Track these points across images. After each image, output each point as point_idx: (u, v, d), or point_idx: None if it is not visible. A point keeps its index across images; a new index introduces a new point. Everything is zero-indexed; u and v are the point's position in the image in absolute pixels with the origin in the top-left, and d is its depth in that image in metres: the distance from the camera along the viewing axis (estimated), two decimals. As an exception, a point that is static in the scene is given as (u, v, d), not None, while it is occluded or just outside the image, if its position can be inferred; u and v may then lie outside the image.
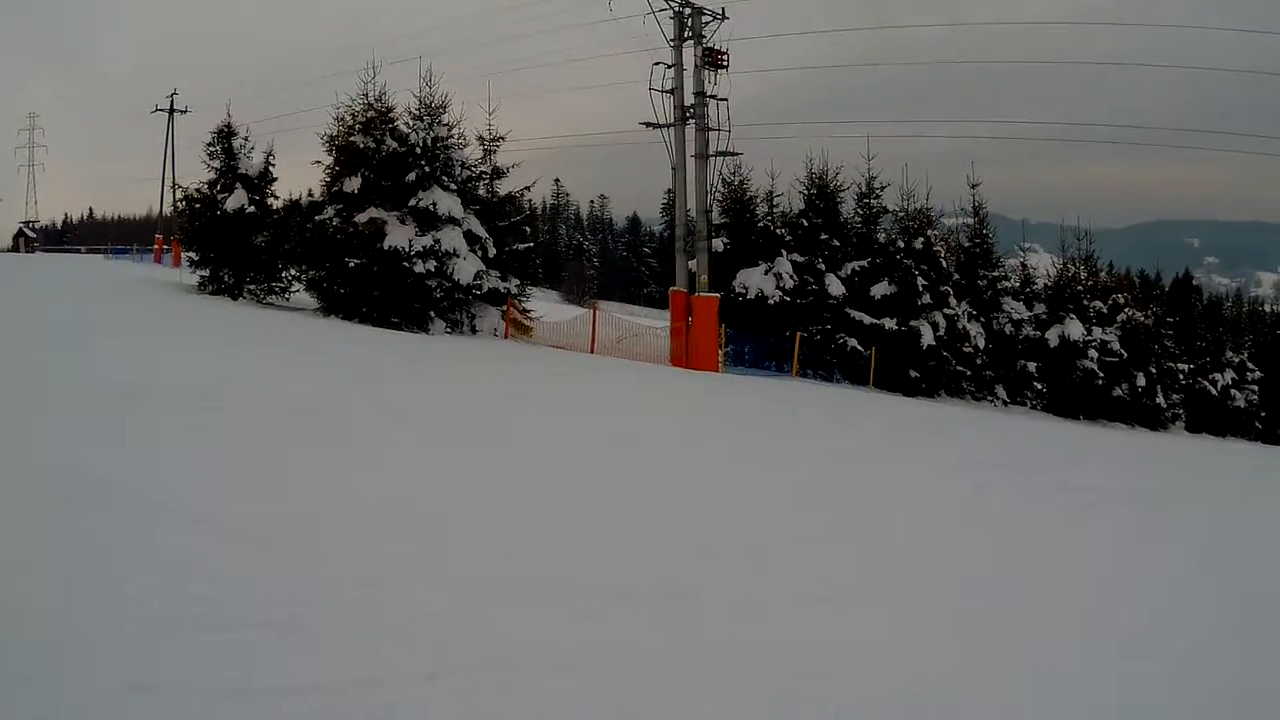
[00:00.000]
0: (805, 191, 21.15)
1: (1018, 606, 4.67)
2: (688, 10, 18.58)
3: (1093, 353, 22.66)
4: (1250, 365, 30.42)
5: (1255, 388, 30.27)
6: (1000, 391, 21.13)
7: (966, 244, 22.21)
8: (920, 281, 19.95)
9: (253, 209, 16.88)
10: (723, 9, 18.69)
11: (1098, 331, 23.21)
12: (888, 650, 3.67)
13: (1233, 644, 4.51)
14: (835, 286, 19.78)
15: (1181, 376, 27.07)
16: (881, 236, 21.03)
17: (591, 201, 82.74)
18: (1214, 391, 28.55)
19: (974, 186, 22.39)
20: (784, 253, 19.85)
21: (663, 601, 3.81)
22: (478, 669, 2.86)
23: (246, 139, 17.49)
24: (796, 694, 3.11)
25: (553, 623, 3.38)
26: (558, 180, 79.23)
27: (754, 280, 19.58)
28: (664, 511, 5.55)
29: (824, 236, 20.47)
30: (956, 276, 21.05)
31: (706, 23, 18.60)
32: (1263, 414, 30.90)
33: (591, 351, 17.56)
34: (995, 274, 22.06)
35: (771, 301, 19.17)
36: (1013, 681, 3.58)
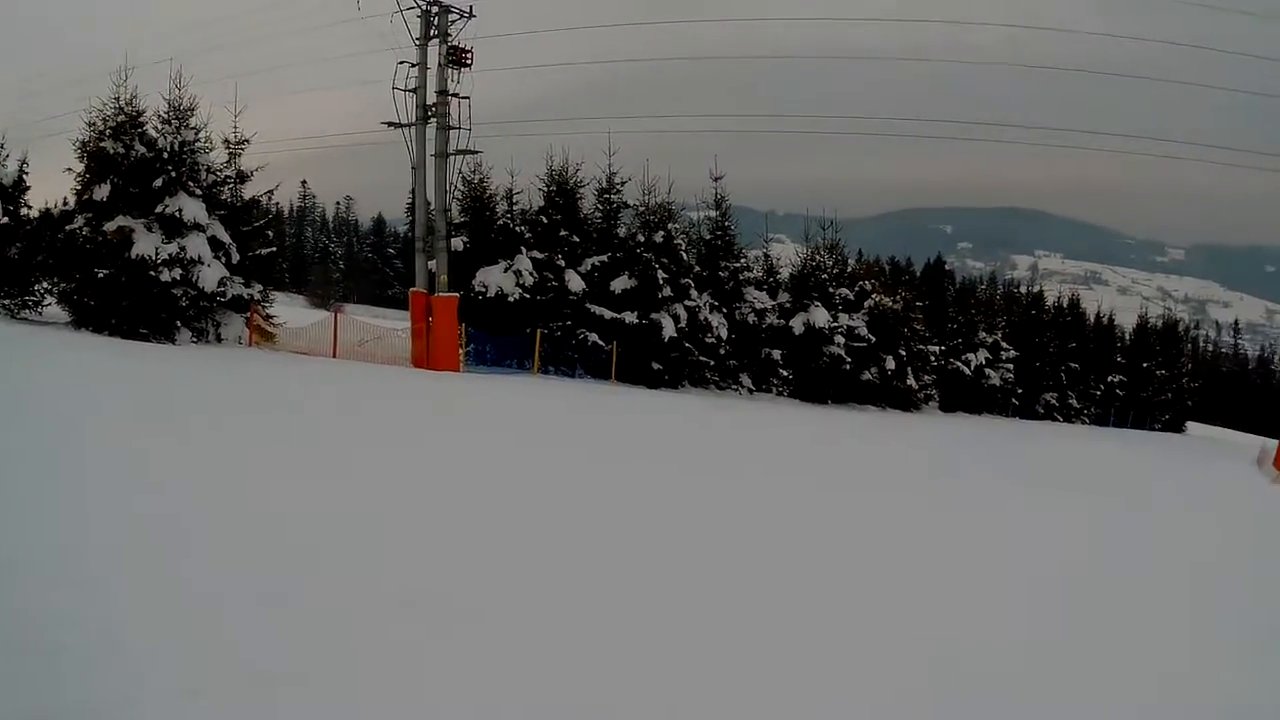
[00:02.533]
0: (545, 188, 26.47)
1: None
2: (434, 8, 22.90)
3: (839, 338, 29.84)
4: (1005, 345, 40.63)
5: (1010, 366, 40.64)
6: (745, 380, 27.71)
7: (708, 236, 28.49)
8: (661, 275, 25.57)
9: (5, 220, 19.16)
10: (470, 6, 23.17)
11: (845, 318, 30.46)
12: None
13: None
14: (575, 282, 24.90)
15: (933, 358, 35.85)
16: (622, 231, 26.74)
17: (338, 203, 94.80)
18: (967, 371, 38.02)
19: (716, 179, 28.90)
20: (524, 250, 24.69)
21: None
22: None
23: (2, 146, 19.80)
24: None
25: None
26: (304, 182, 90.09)
27: (494, 278, 24.22)
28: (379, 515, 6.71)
29: (564, 233, 25.67)
30: (698, 269, 27.15)
31: (453, 20, 23.05)
32: (1019, 391, 41.95)
33: (334, 356, 21.14)
34: (737, 265, 28.47)
35: (512, 299, 23.86)
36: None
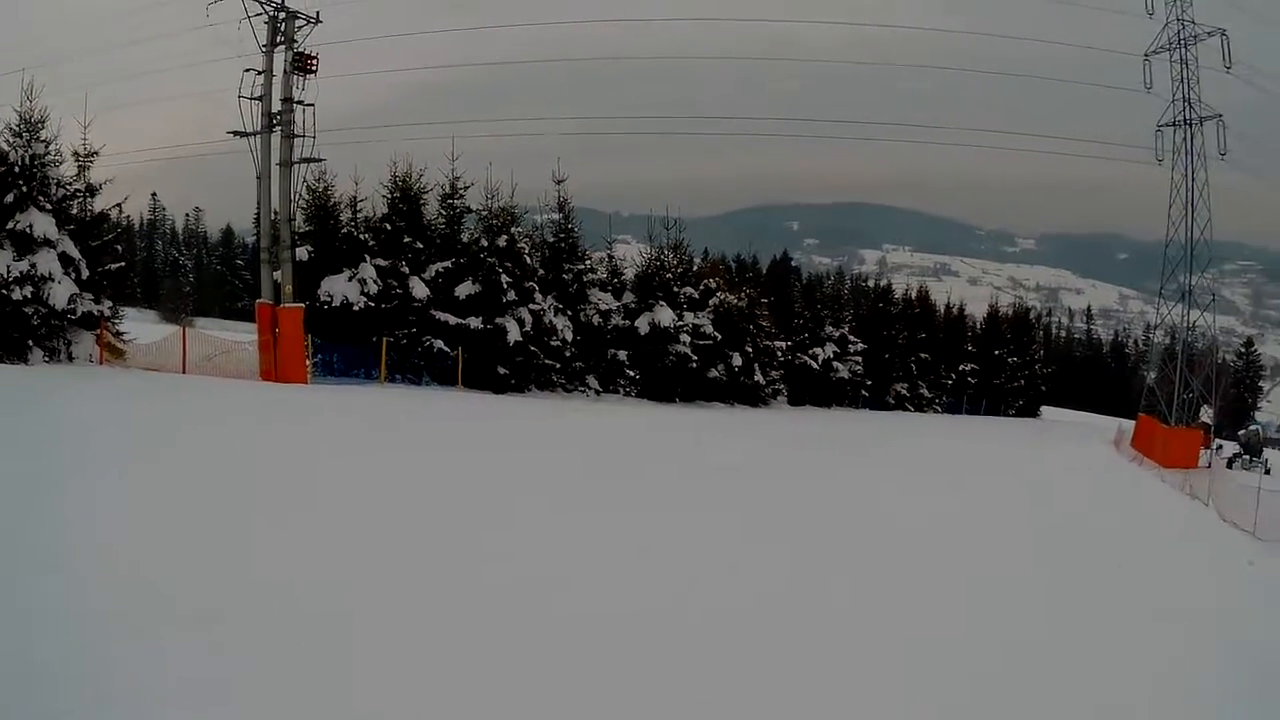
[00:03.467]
0: (389, 195, 28.86)
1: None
2: (281, 14, 24.81)
3: (685, 337, 33.01)
4: (852, 338, 45.57)
5: (859, 359, 45.60)
6: (592, 381, 30.77)
7: (552, 239, 31.54)
8: (505, 279, 28.17)
9: None
10: (317, 12, 25.16)
11: (690, 316, 33.78)
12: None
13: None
14: (420, 289, 27.27)
15: (780, 354, 40.40)
16: (466, 237, 29.30)
17: (187, 215, 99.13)
18: (815, 366, 42.62)
19: (559, 182, 31.88)
20: (368, 258, 26.97)
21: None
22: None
23: None
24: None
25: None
26: (155, 195, 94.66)
27: (339, 287, 26.35)
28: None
29: (408, 239, 28.08)
30: (542, 272, 29.92)
31: (300, 26, 24.99)
32: (869, 383, 47.13)
33: (183, 371, 22.65)
34: (581, 267, 31.51)
35: (357, 308, 26.07)
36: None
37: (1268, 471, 37.94)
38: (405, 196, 28.99)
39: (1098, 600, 11.10)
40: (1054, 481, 24.20)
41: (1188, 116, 44.39)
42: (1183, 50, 44.18)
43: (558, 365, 29.56)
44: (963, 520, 15.42)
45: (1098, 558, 13.77)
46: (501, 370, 27.70)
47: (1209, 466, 34.25)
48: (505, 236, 28.88)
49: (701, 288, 35.06)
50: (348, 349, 26.07)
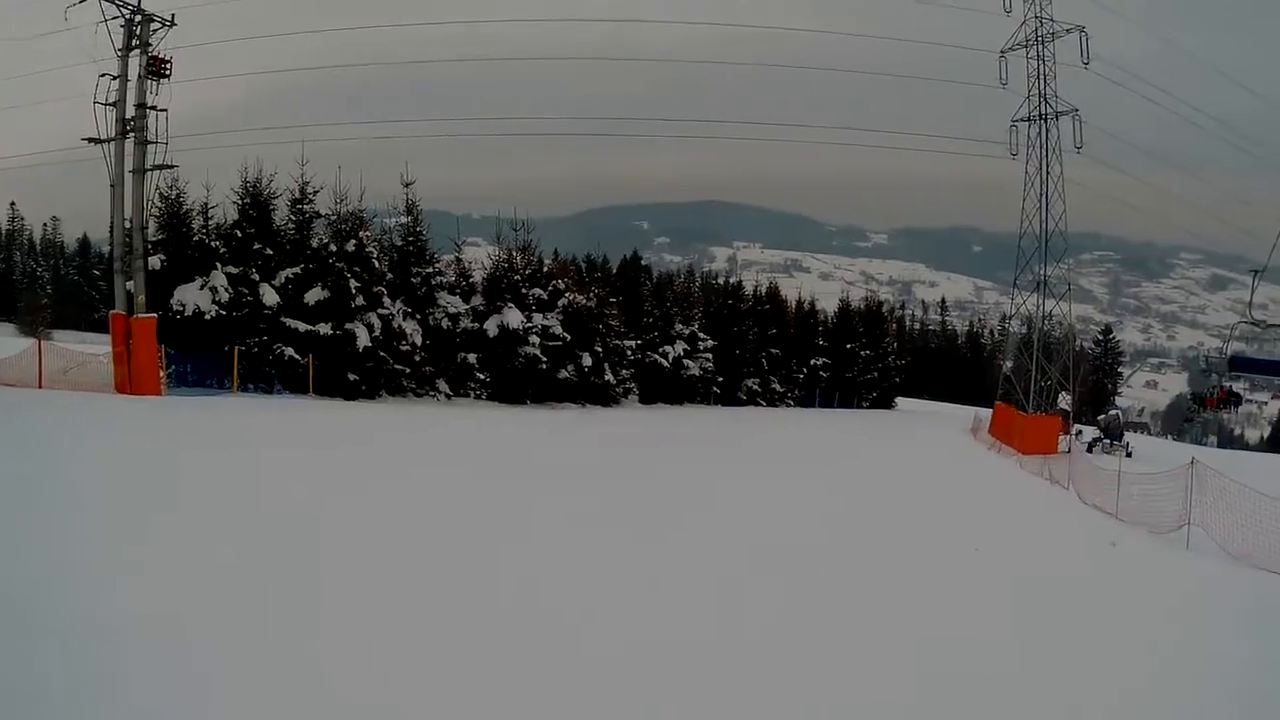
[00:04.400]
0: (239, 201, 31.07)
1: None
2: (137, 17, 26.49)
3: (534, 338, 35.71)
4: (703, 335, 49.49)
5: (709, 356, 49.64)
6: (442, 385, 33.69)
7: (400, 243, 34.28)
8: (354, 284, 30.43)
9: None
10: (172, 15, 26.92)
11: (539, 318, 36.79)
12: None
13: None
14: (270, 296, 29.57)
15: (630, 353, 44.19)
16: (315, 242, 31.73)
17: (45, 225, 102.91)
18: (666, 364, 46.65)
19: (407, 185, 34.79)
20: (219, 265, 29.14)
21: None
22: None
23: None
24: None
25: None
26: (13, 204, 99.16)
27: (191, 296, 28.43)
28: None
29: (258, 246, 30.31)
30: (390, 276, 32.56)
31: (155, 30, 26.71)
32: (720, 379, 51.51)
33: (40, 386, 24.13)
34: (430, 270, 34.34)
35: (209, 317, 28.23)
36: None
37: (1129, 454, 43.45)
38: (255, 202, 31.39)
39: (959, 582, 12.55)
40: (909, 469, 27.35)
41: (1043, 111, 50.11)
42: (1040, 47, 49.84)
43: (408, 370, 32.45)
44: (818, 508, 17.50)
45: (956, 541, 15.57)
46: (352, 376, 30.46)
47: (1069, 452, 38.01)
48: (354, 241, 31.55)
49: (550, 288, 38.20)
50: (201, 359, 28.33)
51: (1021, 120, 51.14)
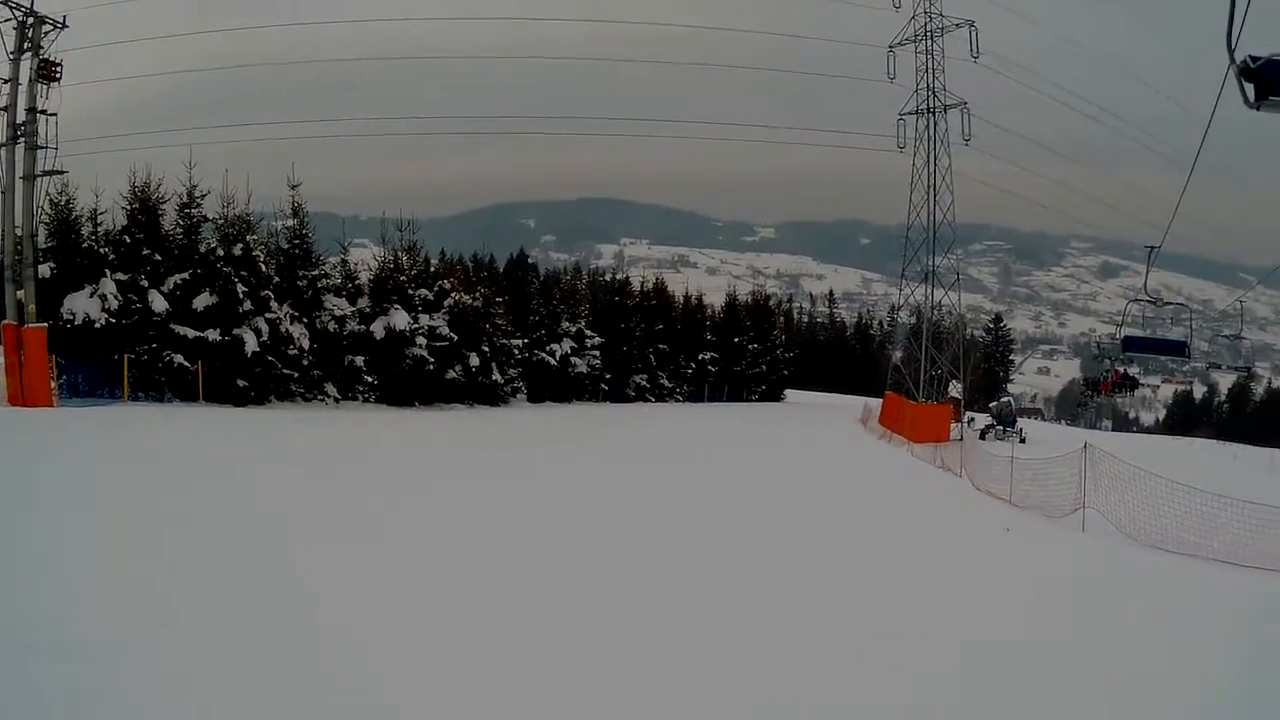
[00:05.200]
0: (128, 207, 32.26)
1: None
2: (30, 19, 27.29)
3: (421, 339, 37.68)
4: (590, 332, 51.58)
5: (597, 353, 51.76)
6: (331, 389, 35.43)
7: (287, 246, 35.95)
8: (241, 288, 32.07)
9: None
10: (64, 17, 27.79)
11: (426, 318, 38.69)
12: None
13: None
14: (159, 302, 30.88)
15: (517, 351, 46.36)
16: (203, 247, 33.12)
17: None
18: (553, 362, 48.91)
19: (294, 187, 36.44)
20: (108, 273, 30.27)
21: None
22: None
23: None
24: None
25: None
26: None
27: (80, 305, 29.51)
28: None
29: (146, 251, 31.58)
30: (278, 279, 34.23)
31: (46, 32, 27.56)
32: (608, 376, 53.74)
33: None
34: (316, 273, 36.15)
35: (99, 325, 29.34)
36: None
37: (1023, 440, 46.60)
38: (144, 207, 32.71)
39: (849, 570, 13.44)
40: (799, 461, 28.77)
41: (931, 105, 53.59)
42: (929, 41, 53.23)
43: (296, 374, 34.26)
44: (707, 503, 18.38)
45: (852, 530, 16.65)
46: (241, 382, 32.13)
47: (961, 439, 39.98)
48: (241, 245, 33.12)
49: (436, 289, 40.19)
50: (91, 368, 29.59)
51: (909, 114, 54.47)
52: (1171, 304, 20.51)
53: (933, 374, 54.96)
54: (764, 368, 64.53)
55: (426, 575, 11.26)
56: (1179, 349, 21.32)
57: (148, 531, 11.96)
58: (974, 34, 52.09)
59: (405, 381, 38.18)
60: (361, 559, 11.75)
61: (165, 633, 8.31)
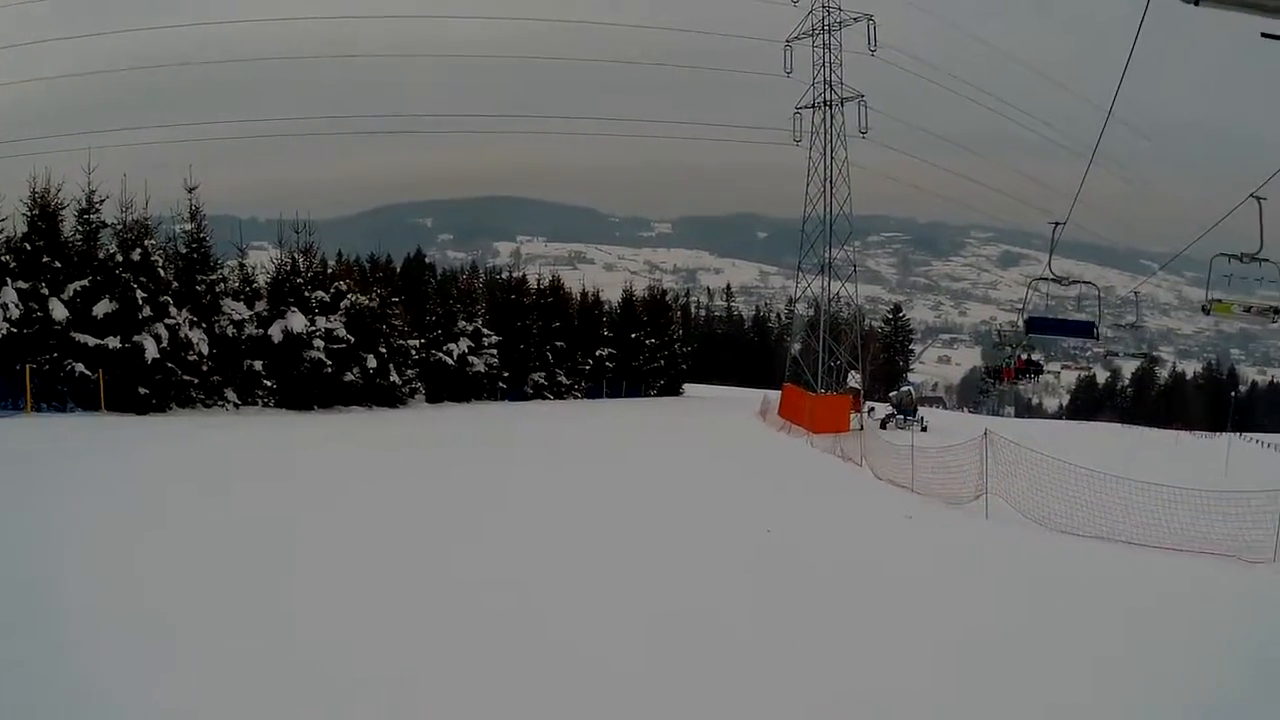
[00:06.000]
0: (29, 213, 33.42)
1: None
2: None
3: (319, 342, 39.64)
4: (487, 331, 53.95)
5: (494, 352, 54.24)
6: (230, 395, 37.26)
7: (185, 250, 37.57)
8: (140, 294, 33.90)
9: None
10: None
11: (322, 321, 40.81)
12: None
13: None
14: (59, 310, 32.11)
15: (415, 352, 48.41)
16: (103, 253, 34.45)
17: None
18: (450, 361, 51.04)
19: (191, 190, 38.00)
20: (9, 281, 31.48)
21: None
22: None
23: None
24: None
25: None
26: None
27: None
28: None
29: (47, 259, 32.81)
30: (176, 285, 35.78)
31: None
32: (506, 374, 56.04)
33: None
34: (214, 277, 37.75)
35: (0, 335, 30.83)
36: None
37: (924, 429, 49.69)
38: (44, 213, 33.96)
39: (752, 563, 13.80)
40: (698, 453, 30.23)
41: (828, 98, 56.79)
42: (826, 36, 56.44)
43: (196, 380, 35.91)
44: (609, 498, 19.26)
45: (747, 523, 17.01)
46: (142, 390, 33.80)
47: (861, 429, 43.09)
48: (139, 250, 34.54)
49: (333, 290, 42.04)
50: None
51: (806, 107, 57.62)
52: (1077, 282, 20.13)
53: (831, 365, 58.20)
54: (662, 363, 67.64)
55: (348, 575, 11.67)
56: (1087, 330, 21.13)
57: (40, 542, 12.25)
58: (872, 27, 55.31)
59: (304, 385, 39.94)
60: (289, 559, 12.43)
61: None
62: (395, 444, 28.32)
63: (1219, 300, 18.96)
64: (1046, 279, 19.45)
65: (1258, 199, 16.12)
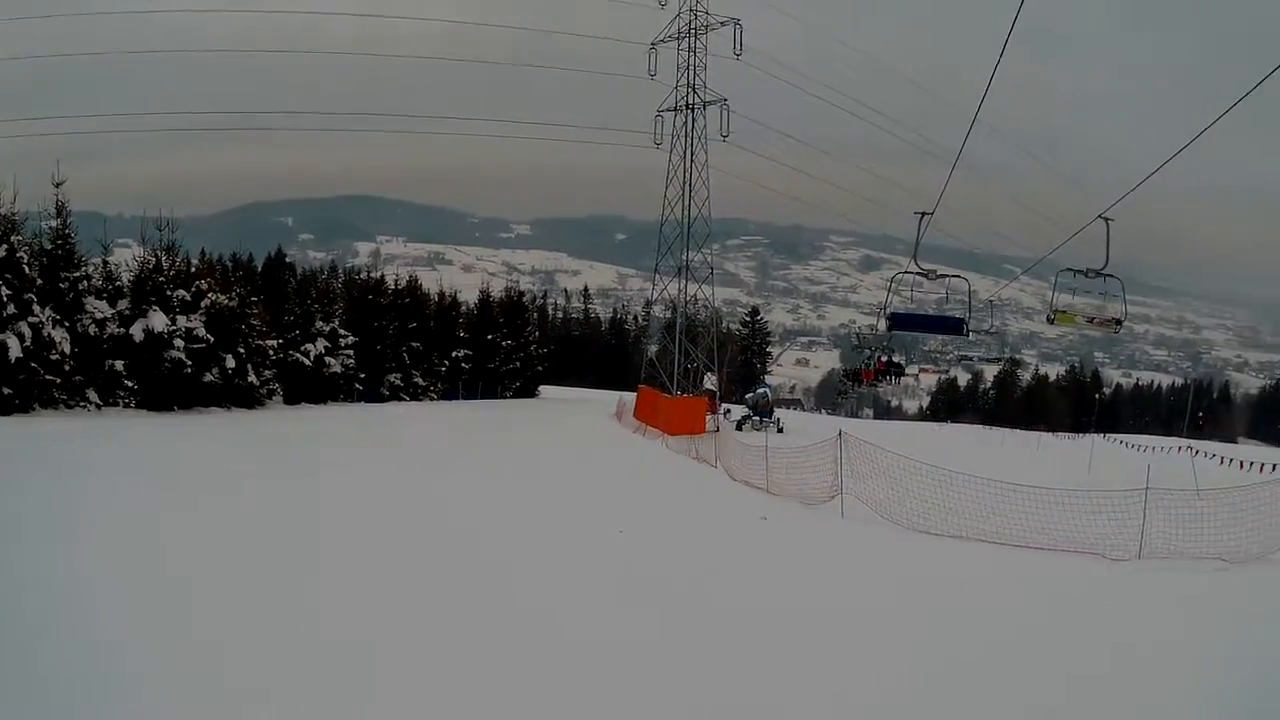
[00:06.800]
0: None
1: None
2: None
3: (179, 342, 41.31)
4: (344, 332, 55.63)
5: (351, 353, 56.01)
6: (93, 395, 38.98)
7: (49, 246, 38.87)
8: (5, 292, 35.98)
9: None
10: None
11: (183, 320, 42.53)
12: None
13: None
14: None
15: (272, 352, 49.95)
16: None
17: None
18: (307, 362, 52.50)
19: (58, 185, 39.42)
20: None
21: None
22: None
23: None
24: None
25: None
26: None
27: None
28: None
29: None
30: (40, 282, 37.26)
31: None
32: (362, 375, 58.10)
33: None
34: (78, 274, 39.06)
35: None
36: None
37: (780, 430, 52.42)
38: None
39: (602, 566, 14.18)
40: (553, 455, 31.50)
41: (690, 101, 59.87)
42: (692, 39, 59.43)
43: (58, 380, 37.53)
44: (459, 496, 20.07)
45: (601, 524, 17.47)
46: (6, 390, 35.41)
47: (717, 431, 44.77)
48: (5, 246, 36.01)
49: (194, 289, 43.79)
50: None
51: (668, 110, 60.73)
52: (946, 275, 19.96)
53: (688, 367, 61.37)
54: (518, 364, 70.69)
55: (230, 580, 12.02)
56: (956, 326, 21.15)
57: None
58: (739, 32, 58.40)
59: (165, 385, 41.57)
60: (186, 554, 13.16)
61: None
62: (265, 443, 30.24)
63: (1063, 311, 21.22)
64: (912, 272, 19.30)
65: (1105, 220, 17.89)
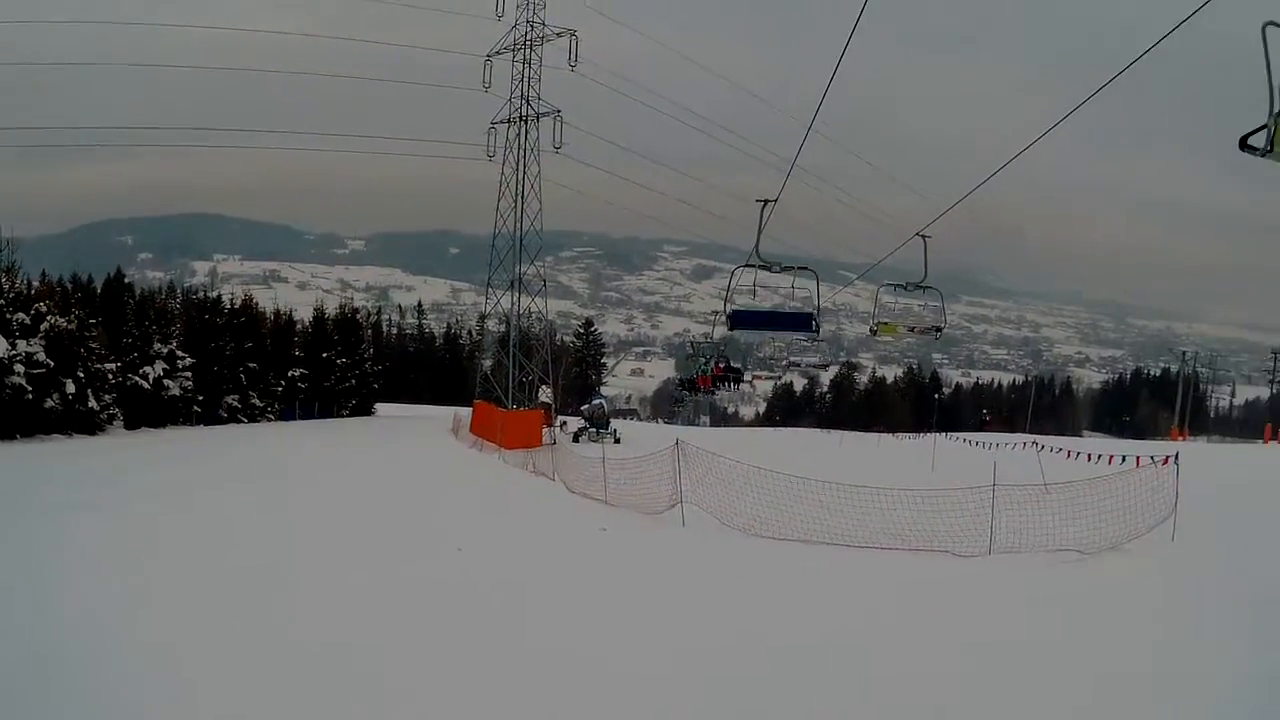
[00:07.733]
0: None
1: None
2: None
3: (19, 367, 43.25)
4: (181, 353, 56.22)
5: (189, 374, 56.78)
6: None
7: None
8: None
9: None
10: None
11: (23, 344, 44.21)
12: None
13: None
14: None
15: (111, 376, 50.23)
16: None
17: None
18: (147, 385, 53.04)
19: None
20: None
21: None
22: None
23: None
24: None
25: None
26: None
27: None
28: None
29: None
30: None
31: None
32: (200, 398, 58.25)
33: None
34: None
35: None
36: None
37: (617, 440, 54.27)
38: None
39: (442, 583, 14.42)
40: (389, 474, 31.74)
41: (524, 113, 62.11)
42: (527, 51, 61.50)
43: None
44: (294, 523, 19.91)
45: (438, 542, 17.81)
46: None
47: (554, 444, 44.68)
48: None
49: (34, 312, 44.79)
50: None
51: (501, 122, 63.05)
52: (791, 268, 18.76)
53: (523, 381, 63.75)
54: (354, 382, 72.53)
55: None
56: (805, 322, 20.32)
57: None
58: (574, 43, 60.58)
59: (6, 413, 42.48)
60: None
61: None
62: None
63: (885, 322, 24.12)
64: (754, 265, 18.49)
65: (923, 237, 19.67)
